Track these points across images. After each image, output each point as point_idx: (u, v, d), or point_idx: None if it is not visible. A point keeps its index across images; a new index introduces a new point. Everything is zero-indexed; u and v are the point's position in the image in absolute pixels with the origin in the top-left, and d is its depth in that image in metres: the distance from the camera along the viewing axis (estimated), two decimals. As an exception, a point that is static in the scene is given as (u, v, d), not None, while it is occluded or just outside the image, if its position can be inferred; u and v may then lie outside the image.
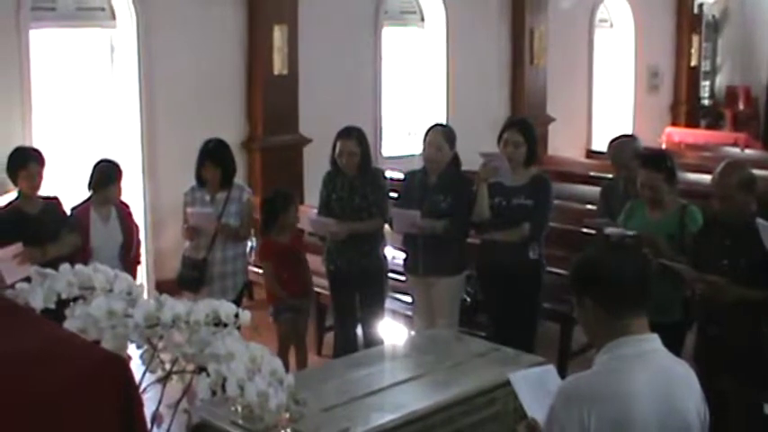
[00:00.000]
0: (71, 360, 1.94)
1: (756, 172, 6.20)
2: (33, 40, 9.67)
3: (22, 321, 2.22)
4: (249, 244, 7.83)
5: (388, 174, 8.12)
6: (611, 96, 16.84)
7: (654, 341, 3.23)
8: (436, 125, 7.46)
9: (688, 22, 17.69)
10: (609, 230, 6.33)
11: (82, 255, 7.04)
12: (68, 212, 7.38)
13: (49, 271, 3.19)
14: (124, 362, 1.98)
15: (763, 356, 5.72)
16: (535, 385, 3.83)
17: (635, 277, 3.23)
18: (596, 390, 3.13)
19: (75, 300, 3.21)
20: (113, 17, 10.34)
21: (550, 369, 4.10)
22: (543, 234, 7.04)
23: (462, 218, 6.96)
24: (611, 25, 16.86)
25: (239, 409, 3.56)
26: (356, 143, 7.28)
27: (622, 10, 16.67)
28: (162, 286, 8.63)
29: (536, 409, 3.60)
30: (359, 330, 7.61)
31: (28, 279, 3.23)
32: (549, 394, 3.42)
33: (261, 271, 7.90)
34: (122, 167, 7.62)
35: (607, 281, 3.21)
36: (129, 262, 7.35)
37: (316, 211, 7.61)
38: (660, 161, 6.46)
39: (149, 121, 10.38)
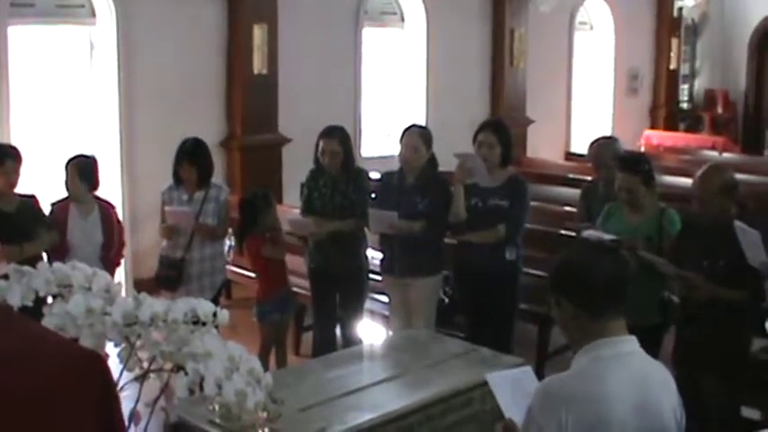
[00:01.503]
0: (50, 358, 1.94)
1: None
2: (12, 36, 9.63)
3: (2, 319, 2.21)
4: (227, 243, 7.81)
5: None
6: (590, 99, 16.89)
7: (631, 343, 3.24)
8: (413, 126, 7.45)
9: (667, 25, 17.76)
10: (587, 233, 6.34)
11: (59, 251, 7.02)
12: (48, 209, 7.35)
13: (26, 268, 3.19)
14: (102, 360, 1.98)
15: (742, 358, 5.76)
16: (512, 386, 3.84)
17: (613, 279, 3.24)
18: (574, 391, 3.13)
19: (53, 297, 3.20)
20: (93, 14, 10.31)
21: (528, 370, 4.11)
22: (519, 235, 7.04)
23: (439, 219, 6.95)
24: (591, 27, 16.91)
25: (217, 408, 3.57)
26: (339, 142, 7.28)
27: (602, 12, 16.72)
28: (140, 285, 8.61)
29: (513, 410, 3.60)
30: (338, 330, 7.60)
31: (5, 276, 3.22)
32: (527, 395, 3.42)
33: (242, 271, 7.91)
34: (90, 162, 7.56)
35: (585, 282, 3.22)
36: (109, 261, 7.32)
37: (296, 211, 7.60)
38: (638, 164, 6.48)
39: (128, 120, 10.35)
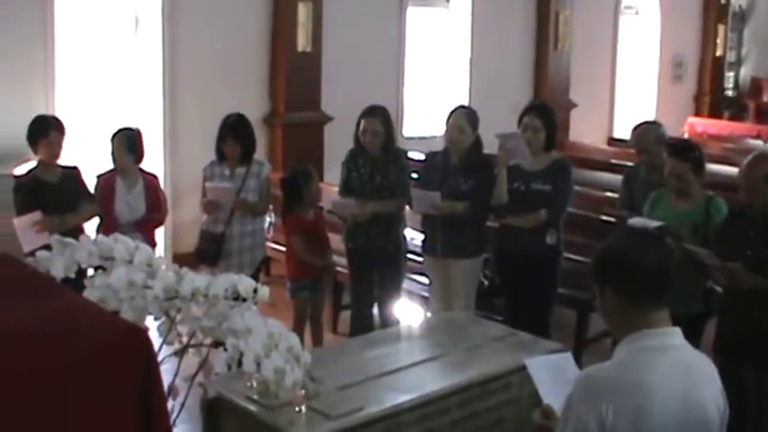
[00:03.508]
0: (93, 329, 1.94)
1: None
2: (59, 9, 9.66)
3: (45, 289, 2.21)
4: (268, 220, 7.80)
5: (410, 154, 8.08)
6: (634, 84, 16.76)
7: (675, 335, 3.19)
8: (459, 107, 7.43)
9: (714, 11, 17.60)
10: (633, 220, 6.29)
11: (105, 223, 7.07)
12: (92, 180, 7.39)
13: (69, 240, 3.19)
14: (145, 334, 1.97)
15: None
16: (552, 372, 3.81)
17: (657, 268, 3.19)
18: (615, 382, 3.09)
19: (94, 269, 3.21)
20: (139, -12, 10.34)
21: (567, 356, 4.08)
22: (561, 220, 7.00)
23: (482, 201, 6.93)
24: (637, 12, 16.76)
25: (254, 384, 3.56)
26: (380, 122, 7.26)
27: (649, -3, 16.59)
28: (179, 259, 8.65)
29: (552, 396, 3.57)
30: (375, 310, 7.60)
31: (48, 247, 3.23)
32: (566, 382, 3.39)
33: (281, 248, 7.92)
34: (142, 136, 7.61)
35: (629, 272, 3.18)
36: (150, 220, 7.41)
37: (337, 189, 7.59)
38: (688, 151, 6.40)
39: (172, 94, 10.38)
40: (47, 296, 2.12)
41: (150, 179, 7.58)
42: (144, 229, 7.26)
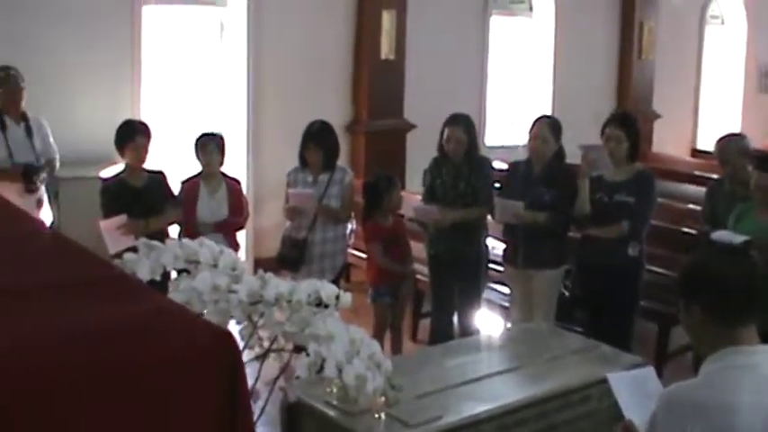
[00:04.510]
0: (183, 332, 1.96)
1: None
2: (146, 16, 9.82)
3: (134, 291, 2.24)
4: (349, 226, 7.83)
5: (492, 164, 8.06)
6: (719, 95, 16.52)
7: (764, 353, 3.13)
8: (543, 117, 7.42)
9: (804, 20, 17.28)
10: (717, 234, 6.20)
11: (187, 227, 7.16)
12: (177, 185, 7.48)
13: (156, 243, 3.24)
14: (232, 337, 1.99)
15: None
16: (634, 387, 3.78)
17: (744, 284, 3.13)
18: (700, 400, 3.04)
19: (178, 273, 3.25)
20: (223, -5, 10.46)
21: (650, 371, 4.05)
22: (644, 232, 6.94)
23: (564, 211, 6.90)
24: (723, 22, 16.53)
25: (335, 390, 3.57)
26: (464, 130, 7.27)
27: (735, 7, 16.33)
28: (260, 264, 8.69)
29: (633, 411, 3.54)
30: (455, 318, 7.58)
31: (132, 249, 3.28)
32: (648, 397, 3.36)
33: (362, 254, 7.96)
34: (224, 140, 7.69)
35: (715, 287, 3.12)
36: (232, 223, 7.49)
37: (418, 197, 7.61)
38: (776, 163, 6.30)
39: (256, 100, 10.47)
40: (135, 297, 2.15)
41: (233, 184, 7.66)
42: (224, 230, 7.33)
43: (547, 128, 7.08)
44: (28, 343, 1.83)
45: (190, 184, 7.48)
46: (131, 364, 1.85)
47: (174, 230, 7.35)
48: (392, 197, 7.36)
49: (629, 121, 7.13)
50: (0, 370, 1.73)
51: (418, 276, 7.94)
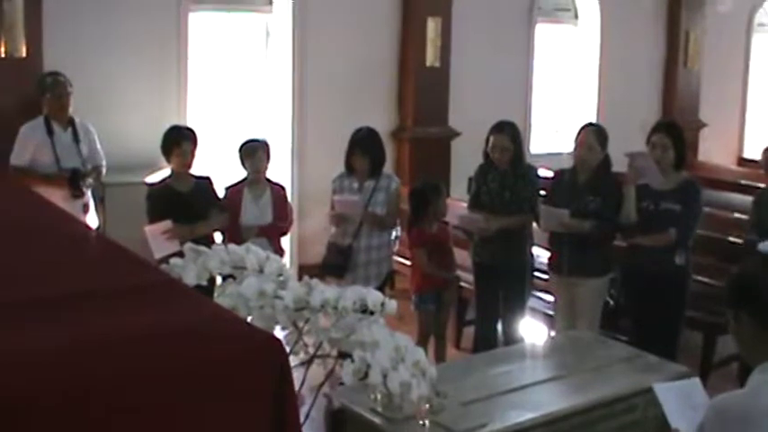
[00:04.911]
0: (231, 337, 1.97)
1: None
2: (192, 22, 9.89)
3: (183, 296, 2.26)
4: (394, 233, 7.83)
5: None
6: (766, 103, 16.35)
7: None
8: (588, 124, 7.40)
9: None
10: (763, 245, 6.16)
11: (231, 233, 7.18)
12: (222, 191, 7.52)
13: (202, 248, 3.26)
14: (280, 343, 2.00)
15: None
16: (680, 397, 3.77)
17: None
18: (749, 413, 3.03)
19: (223, 278, 3.27)
20: (270, 2, 10.49)
21: (696, 382, 4.03)
22: (690, 241, 6.90)
23: (610, 219, 6.87)
24: (771, 30, 16.38)
25: (379, 396, 3.58)
26: (510, 138, 7.26)
27: (784, 14, 16.19)
28: (305, 270, 8.73)
29: (679, 421, 3.53)
30: (499, 326, 7.57)
31: (177, 254, 3.30)
32: (694, 407, 3.35)
33: (406, 262, 7.96)
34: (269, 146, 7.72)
35: (764, 297, 3.11)
36: (276, 228, 7.51)
37: (464, 204, 7.60)
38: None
39: (301, 107, 10.51)
40: (185, 303, 2.17)
41: (278, 189, 7.67)
42: (268, 234, 7.36)
43: (593, 136, 7.05)
44: (81, 347, 1.84)
45: (233, 190, 7.51)
46: (186, 369, 1.86)
47: (218, 236, 7.37)
48: (438, 205, 7.36)
49: (676, 130, 7.10)
50: (53, 375, 1.75)
51: (462, 284, 7.92)
